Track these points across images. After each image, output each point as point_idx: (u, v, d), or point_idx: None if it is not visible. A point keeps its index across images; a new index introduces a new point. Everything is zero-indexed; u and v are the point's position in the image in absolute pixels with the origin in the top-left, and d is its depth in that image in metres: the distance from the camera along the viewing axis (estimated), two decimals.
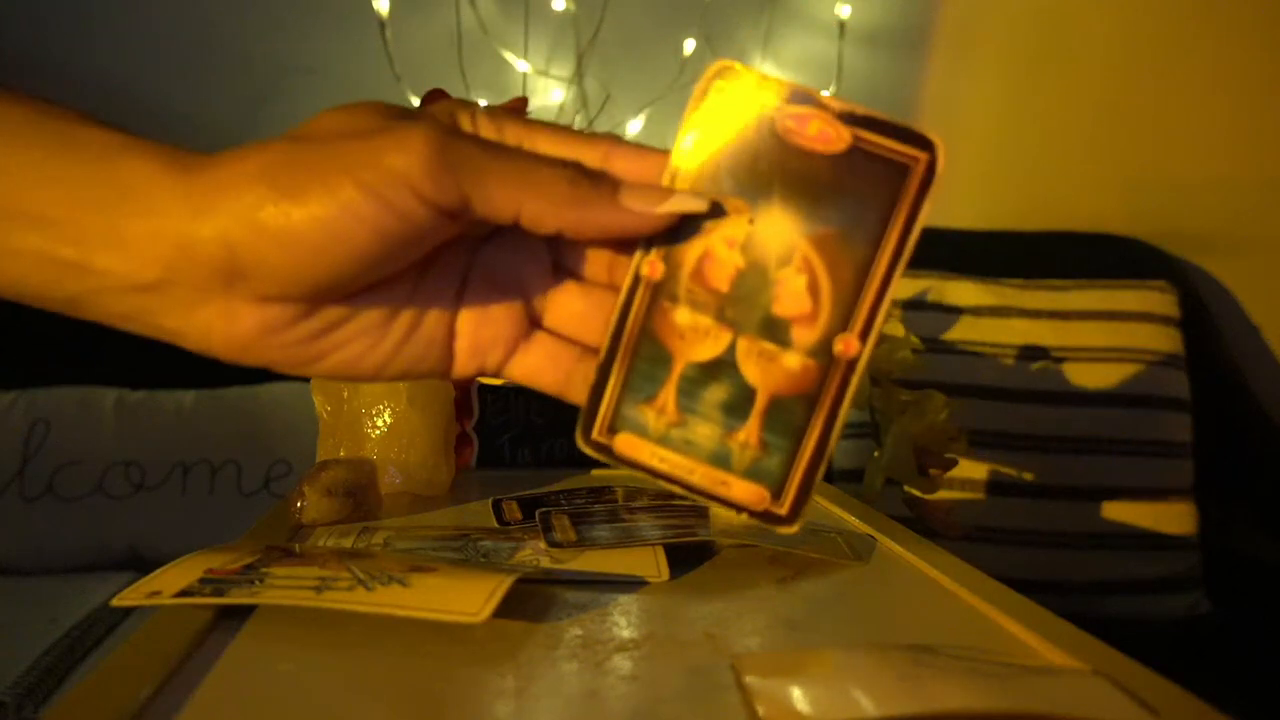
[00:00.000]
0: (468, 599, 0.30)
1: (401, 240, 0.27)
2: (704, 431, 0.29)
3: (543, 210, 0.28)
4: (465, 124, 0.29)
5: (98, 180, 0.27)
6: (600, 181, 0.28)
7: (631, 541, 0.41)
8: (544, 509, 0.44)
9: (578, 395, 0.31)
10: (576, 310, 0.32)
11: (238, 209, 0.27)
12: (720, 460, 0.29)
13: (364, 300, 0.30)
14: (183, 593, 0.33)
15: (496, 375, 0.33)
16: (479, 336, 0.31)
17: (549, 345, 0.32)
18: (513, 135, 0.30)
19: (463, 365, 0.32)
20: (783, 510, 0.28)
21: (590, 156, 0.30)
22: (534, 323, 0.32)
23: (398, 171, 0.26)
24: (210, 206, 0.27)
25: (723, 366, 0.28)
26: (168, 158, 0.27)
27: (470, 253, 0.32)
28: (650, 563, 0.39)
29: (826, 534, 0.44)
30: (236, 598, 0.32)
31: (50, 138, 0.28)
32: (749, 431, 0.28)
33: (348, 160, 0.27)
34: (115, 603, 0.33)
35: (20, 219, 0.27)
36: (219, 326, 0.29)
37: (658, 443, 0.29)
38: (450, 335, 0.31)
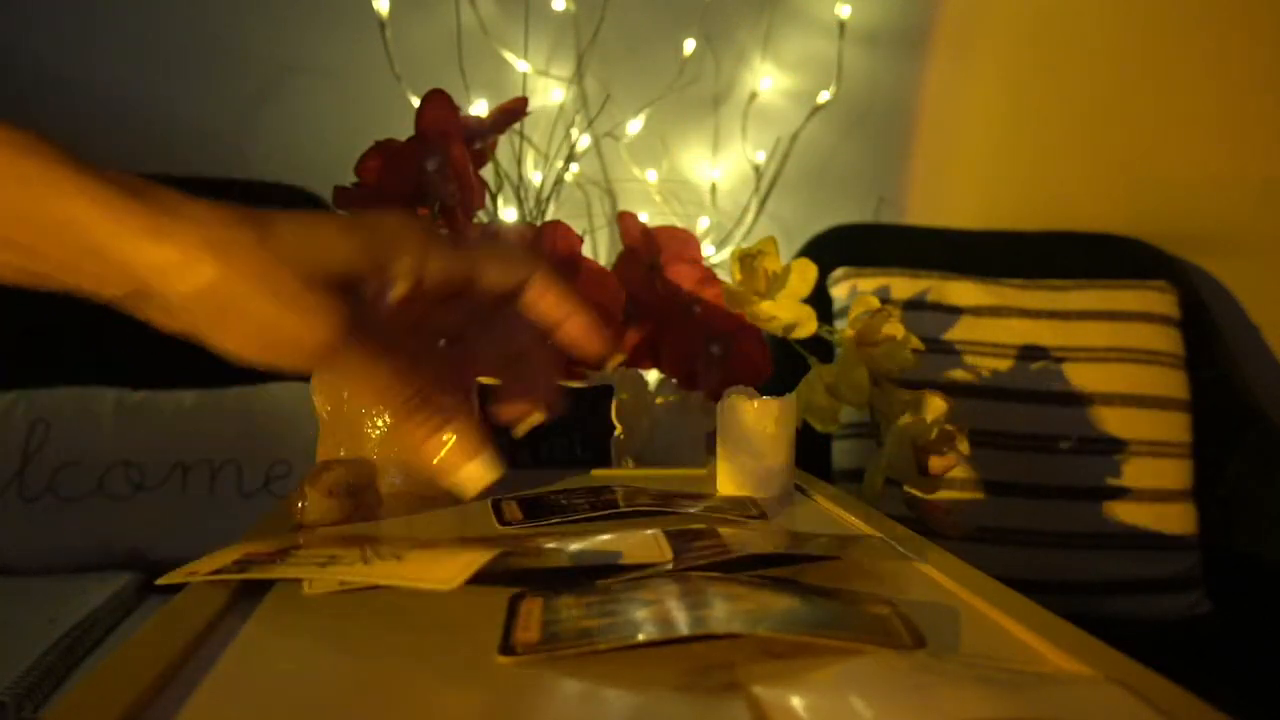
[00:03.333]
0: (444, 570, 0.32)
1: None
2: None
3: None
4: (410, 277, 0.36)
5: (63, 230, 0.32)
6: (418, 414, 0.35)
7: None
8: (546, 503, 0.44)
9: None
10: None
11: (180, 279, 0.33)
12: None
13: None
14: (216, 572, 0.35)
15: None
16: None
17: None
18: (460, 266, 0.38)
19: None
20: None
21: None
22: None
23: (289, 349, 0.34)
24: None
25: None
26: (121, 210, 0.32)
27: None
28: (653, 547, 0.39)
29: (869, 541, 0.42)
30: (255, 573, 0.35)
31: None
32: None
33: (256, 319, 0.33)
34: (160, 581, 0.36)
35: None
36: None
37: None
38: None
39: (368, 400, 0.35)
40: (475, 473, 0.35)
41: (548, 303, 0.40)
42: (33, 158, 0.33)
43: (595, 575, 0.35)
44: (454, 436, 0.35)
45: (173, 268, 0.33)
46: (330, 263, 0.34)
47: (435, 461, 0.35)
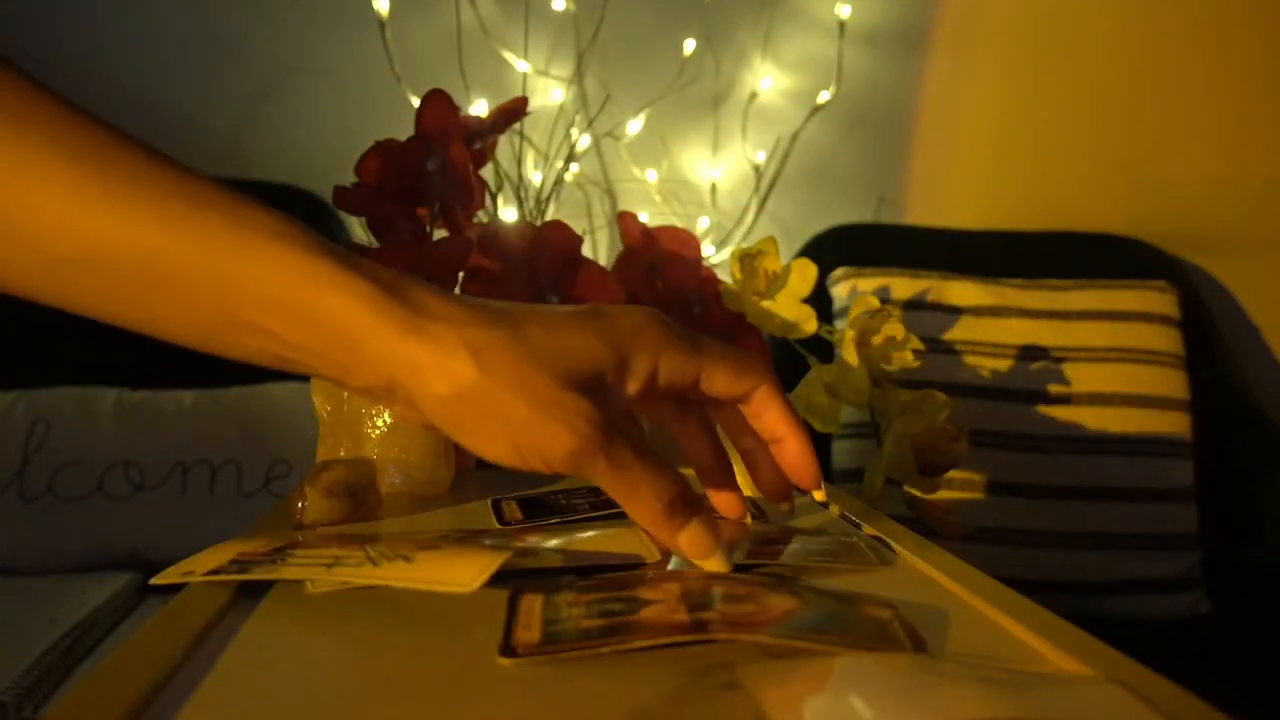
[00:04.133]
0: (462, 573, 0.32)
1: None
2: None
3: (633, 515, 0.35)
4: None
5: (320, 322, 0.32)
6: (676, 515, 0.35)
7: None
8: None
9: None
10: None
11: (430, 392, 0.33)
12: None
13: None
14: (212, 572, 0.35)
15: None
16: None
17: None
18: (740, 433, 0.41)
19: None
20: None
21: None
22: None
23: (544, 454, 0.33)
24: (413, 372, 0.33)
25: None
26: (379, 307, 0.32)
27: None
28: (644, 543, 0.40)
29: (847, 540, 0.43)
30: (257, 574, 0.34)
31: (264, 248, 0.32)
32: None
33: (512, 422, 0.33)
34: (154, 581, 0.35)
35: (247, 329, 0.33)
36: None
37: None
38: None
39: (620, 497, 0.34)
40: (717, 563, 0.35)
41: (770, 417, 0.39)
42: (288, 244, 0.32)
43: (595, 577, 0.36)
44: (700, 529, 0.35)
45: (430, 368, 0.32)
46: (579, 362, 0.34)
47: (686, 553, 0.35)
